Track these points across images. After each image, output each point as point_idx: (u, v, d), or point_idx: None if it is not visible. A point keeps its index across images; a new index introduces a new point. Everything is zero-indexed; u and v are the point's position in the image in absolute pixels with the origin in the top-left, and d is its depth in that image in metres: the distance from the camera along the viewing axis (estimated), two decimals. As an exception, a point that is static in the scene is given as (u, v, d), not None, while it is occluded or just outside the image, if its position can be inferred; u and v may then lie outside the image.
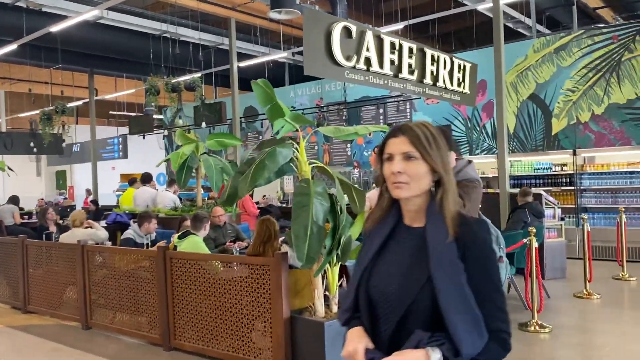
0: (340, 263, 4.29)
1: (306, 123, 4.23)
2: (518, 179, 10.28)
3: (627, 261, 7.95)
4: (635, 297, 6.85)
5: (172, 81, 8.54)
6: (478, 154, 11.17)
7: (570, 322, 5.68)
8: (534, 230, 5.39)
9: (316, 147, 14.15)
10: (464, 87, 7.30)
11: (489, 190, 9.36)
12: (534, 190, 8.85)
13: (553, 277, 7.83)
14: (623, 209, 7.87)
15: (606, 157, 9.61)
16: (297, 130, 4.13)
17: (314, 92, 14.13)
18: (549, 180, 9.98)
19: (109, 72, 16.34)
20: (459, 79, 7.16)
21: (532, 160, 10.24)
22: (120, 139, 17.89)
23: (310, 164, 4.22)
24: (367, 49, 5.43)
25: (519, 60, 10.74)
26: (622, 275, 7.67)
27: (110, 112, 22.01)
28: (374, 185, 8.97)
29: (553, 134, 10.42)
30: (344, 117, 13.53)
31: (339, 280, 4.35)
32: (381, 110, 12.80)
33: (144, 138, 14.36)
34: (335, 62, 5.09)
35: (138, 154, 19.33)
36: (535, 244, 5.37)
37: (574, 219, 9.51)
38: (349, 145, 13.51)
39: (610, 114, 9.74)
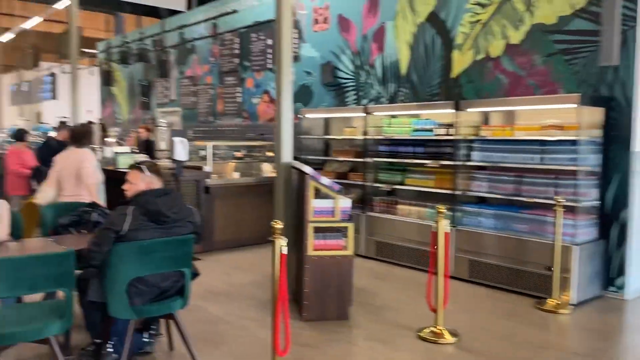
0: None
1: None
2: (394, 144, 6.68)
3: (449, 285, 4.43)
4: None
5: None
6: (365, 104, 7.59)
7: None
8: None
9: (211, 92, 11.04)
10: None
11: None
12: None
13: (316, 319, 4.48)
14: (442, 209, 4.21)
15: (522, 114, 5.80)
16: None
17: (209, 16, 10.89)
18: (431, 150, 6.31)
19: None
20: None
21: (425, 115, 6.57)
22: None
23: None
24: None
25: (419, -40, 6.91)
26: (435, 330, 4.15)
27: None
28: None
29: (453, 76, 6.61)
30: (234, 51, 10.27)
31: None
32: (270, 42, 9.39)
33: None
34: None
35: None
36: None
37: (452, 215, 5.88)
38: (238, 89, 10.27)
39: (533, 42, 5.80)
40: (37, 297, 3.96)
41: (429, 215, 6.15)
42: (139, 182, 3.35)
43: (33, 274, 2.78)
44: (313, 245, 4.47)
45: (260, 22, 9.42)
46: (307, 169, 4.50)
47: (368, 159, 6.85)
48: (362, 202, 6.86)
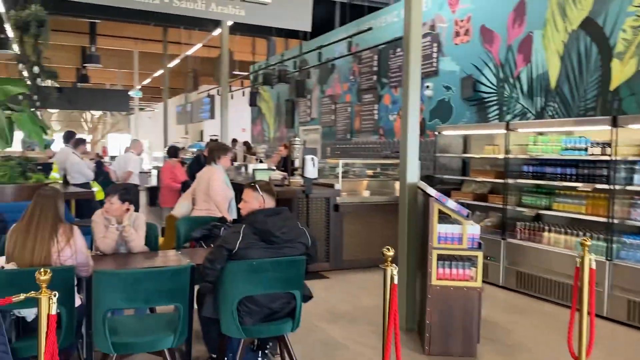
0: None
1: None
2: (541, 164, 6.04)
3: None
4: None
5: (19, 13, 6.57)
6: (510, 119, 7.00)
7: None
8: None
9: (349, 109, 11.08)
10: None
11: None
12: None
13: (439, 353, 4.13)
14: (587, 242, 3.61)
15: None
16: None
17: (347, 35, 10.94)
18: (583, 172, 5.58)
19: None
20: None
21: (578, 132, 5.86)
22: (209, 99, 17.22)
23: None
24: None
25: (573, -39, 6.23)
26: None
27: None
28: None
29: (612, 88, 5.81)
30: (374, 68, 10.20)
31: None
32: (408, 58, 9.15)
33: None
34: None
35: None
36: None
37: (606, 246, 5.13)
38: (375, 106, 10.16)
39: None
40: (170, 307, 4.15)
41: (579, 245, 5.42)
42: (253, 201, 3.35)
43: (148, 288, 2.88)
44: (436, 274, 4.14)
45: (398, 38, 9.24)
46: (431, 190, 4.20)
47: (510, 180, 6.28)
48: (502, 228, 6.30)
